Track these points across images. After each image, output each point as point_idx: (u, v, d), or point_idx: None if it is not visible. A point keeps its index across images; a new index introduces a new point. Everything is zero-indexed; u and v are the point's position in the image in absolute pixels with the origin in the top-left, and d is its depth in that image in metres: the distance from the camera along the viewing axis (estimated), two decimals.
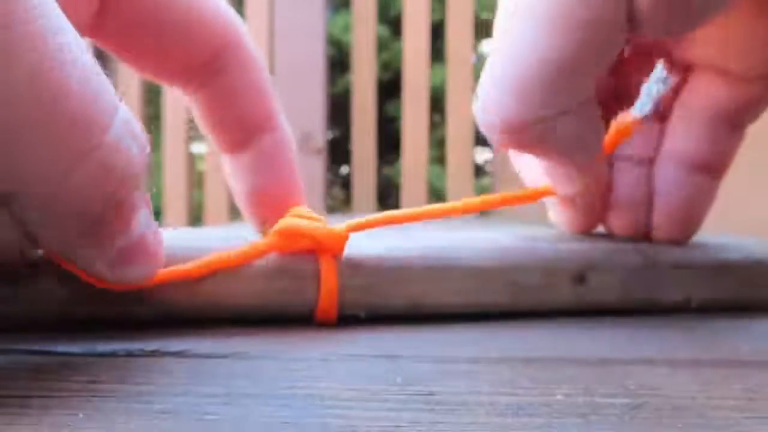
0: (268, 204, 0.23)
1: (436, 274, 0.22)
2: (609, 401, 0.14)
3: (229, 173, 0.23)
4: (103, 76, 0.16)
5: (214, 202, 1.45)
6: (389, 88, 1.89)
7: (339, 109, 1.79)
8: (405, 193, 1.56)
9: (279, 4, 1.46)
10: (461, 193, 1.58)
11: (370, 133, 1.51)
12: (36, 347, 0.18)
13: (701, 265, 0.24)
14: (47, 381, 0.15)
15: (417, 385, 0.15)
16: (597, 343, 0.20)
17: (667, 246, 0.25)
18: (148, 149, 0.17)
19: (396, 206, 1.55)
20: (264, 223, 0.23)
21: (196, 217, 1.48)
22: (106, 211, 0.16)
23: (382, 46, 2.03)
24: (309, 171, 1.41)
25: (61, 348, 0.18)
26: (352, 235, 0.22)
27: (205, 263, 0.20)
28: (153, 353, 0.18)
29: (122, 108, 0.16)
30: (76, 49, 0.15)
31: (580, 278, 0.23)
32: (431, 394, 0.15)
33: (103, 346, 0.18)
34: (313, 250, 0.21)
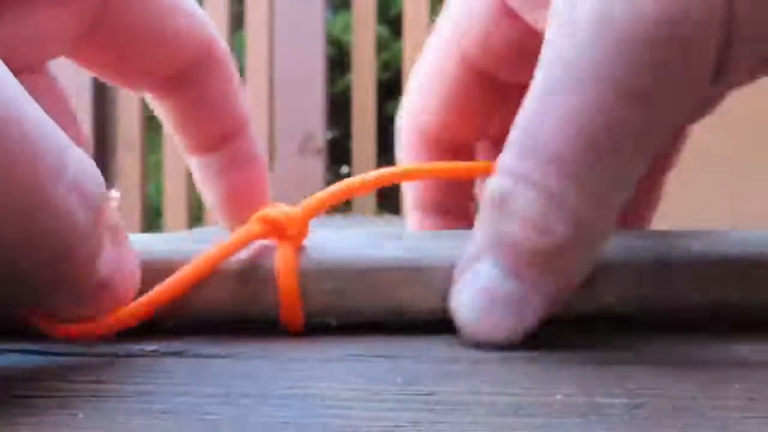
0: (238, 207, 0.23)
1: (416, 276, 0.20)
2: (609, 401, 0.14)
3: (196, 175, 0.24)
4: (50, 126, 0.14)
5: None
6: (389, 88, 1.88)
7: (339, 109, 1.79)
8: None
9: (279, 4, 1.46)
10: None
11: (370, 133, 1.51)
12: (36, 347, 0.18)
13: (727, 262, 0.21)
14: (47, 381, 0.15)
15: (417, 385, 0.15)
16: (597, 343, 0.20)
17: (685, 239, 0.21)
18: (100, 203, 0.15)
19: (396, 206, 1.55)
20: (235, 225, 0.23)
21: (196, 217, 1.48)
22: (49, 272, 0.15)
23: (382, 46, 2.03)
24: (309, 171, 1.41)
25: (61, 348, 0.18)
26: (320, 235, 0.21)
27: (177, 280, 0.19)
28: (153, 353, 0.18)
29: (72, 161, 0.14)
30: (15, 102, 0.13)
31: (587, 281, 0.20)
32: (431, 394, 0.15)
33: (103, 346, 0.18)
34: (272, 237, 0.20)
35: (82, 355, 0.18)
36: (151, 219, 1.78)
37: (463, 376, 0.16)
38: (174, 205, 1.43)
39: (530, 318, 0.18)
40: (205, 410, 0.14)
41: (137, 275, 0.18)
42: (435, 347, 0.19)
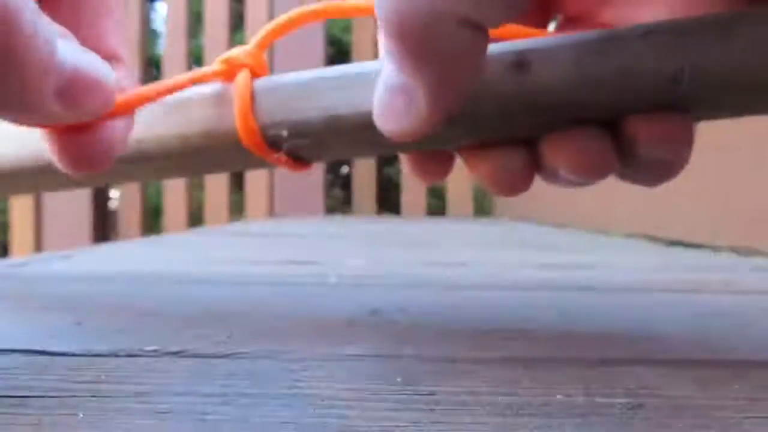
0: None
1: (351, 83, 0.22)
2: (609, 401, 0.14)
3: None
4: None
5: (214, 202, 1.45)
6: None
7: None
8: (405, 193, 1.56)
9: (279, 4, 1.46)
10: (460, 191, 1.58)
11: None
12: (36, 347, 0.18)
13: (692, 26, 0.18)
14: (47, 381, 0.15)
15: (417, 385, 0.15)
16: (597, 343, 0.20)
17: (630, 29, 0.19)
18: None
19: (396, 206, 1.55)
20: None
21: (196, 217, 1.48)
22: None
23: None
24: (309, 171, 1.41)
25: (61, 348, 0.18)
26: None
27: (154, 89, 0.22)
28: (153, 353, 0.18)
29: None
30: None
31: (519, 63, 0.19)
32: (431, 394, 0.15)
33: (103, 346, 0.18)
34: (232, 73, 0.23)
35: (82, 355, 0.18)
36: (151, 219, 1.79)
37: (463, 376, 0.16)
38: (174, 206, 1.43)
39: (423, 109, 0.19)
40: (205, 410, 0.14)
41: (110, 73, 0.19)
42: (435, 347, 0.19)
